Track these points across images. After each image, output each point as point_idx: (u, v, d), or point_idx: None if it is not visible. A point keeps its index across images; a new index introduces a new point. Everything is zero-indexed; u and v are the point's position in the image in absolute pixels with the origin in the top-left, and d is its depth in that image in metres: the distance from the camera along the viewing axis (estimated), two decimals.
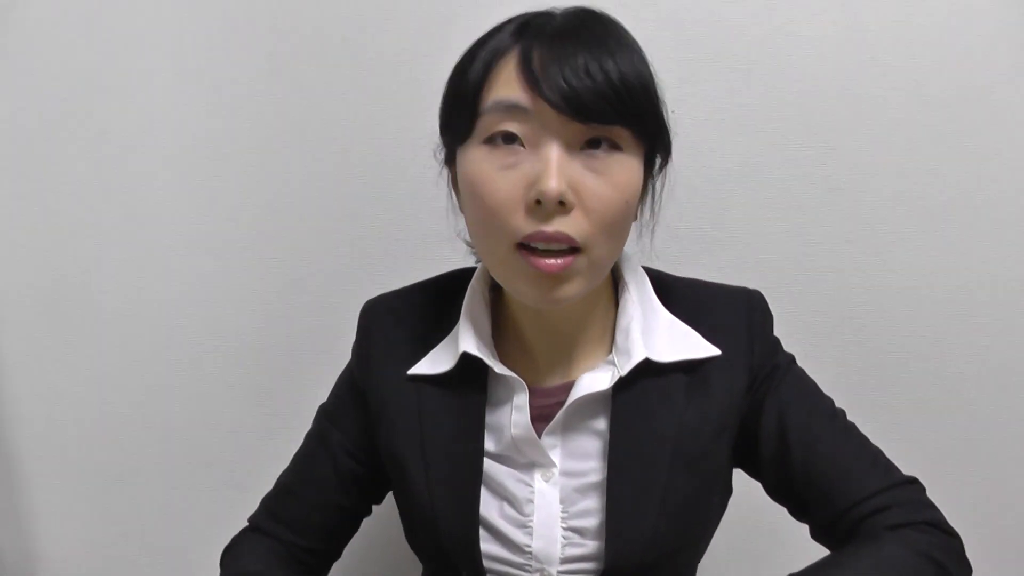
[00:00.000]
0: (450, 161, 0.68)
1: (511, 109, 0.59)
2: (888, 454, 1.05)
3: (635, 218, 0.68)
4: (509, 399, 0.70)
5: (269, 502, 0.81)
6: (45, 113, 1.01)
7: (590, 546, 0.69)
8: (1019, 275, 0.94)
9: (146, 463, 1.10)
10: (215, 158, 1.01)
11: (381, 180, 0.99)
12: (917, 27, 0.89)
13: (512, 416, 0.69)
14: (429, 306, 0.76)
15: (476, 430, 0.70)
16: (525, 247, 0.61)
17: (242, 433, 1.08)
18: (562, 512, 0.69)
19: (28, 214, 1.04)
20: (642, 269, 0.74)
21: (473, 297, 0.72)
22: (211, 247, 1.03)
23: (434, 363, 0.72)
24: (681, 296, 0.72)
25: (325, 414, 0.80)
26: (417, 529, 0.74)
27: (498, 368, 0.69)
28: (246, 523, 0.80)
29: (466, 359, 0.70)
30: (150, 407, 1.09)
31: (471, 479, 0.70)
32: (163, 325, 1.06)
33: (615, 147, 0.60)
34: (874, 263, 0.95)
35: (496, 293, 0.75)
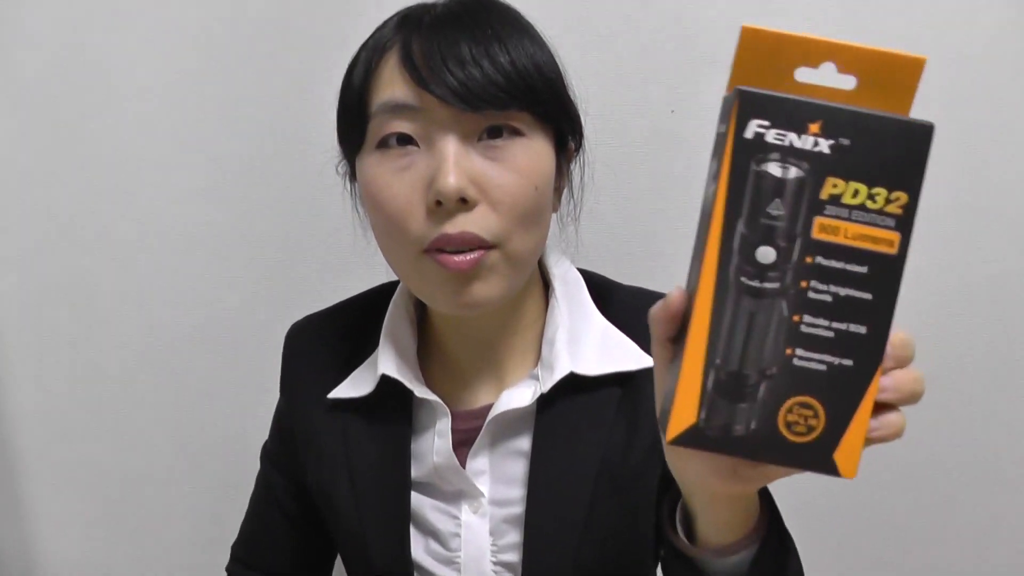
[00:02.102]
0: (352, 174, 0.64)
1: (398, 109, 0.55)
2: (886, 453, 1.04)
3: (554, 209, 0.64)
4: (432, 424, 0.66)
5: (237, 550, 0.80)
6: (43, 113, 1.00)
7: None
8: (1019, 275, 0.94)
9: (146, 463, 1.10)
10: (216, 158, 1.00)
11: None
12: (917, 27, 0.89)
13: (434, 442, 0.65)
14: (354, 325, 0.71)
15: (401, 459, 0.66)
16: (432, 251, 0.57)
17: (242, 432, 1.07)
18: (492, 545, 0.65)
19: (28, 214, 1.04)
20: (577, 271, 0.69)
21: (395, 313, 0.68)
22: (211, 247, 1.03)
23: (355, 386, 0.68)
24: (620, 302, 0.67)
25: (267, 455, 0.78)
26: (351, 565, 0.71)
27: (419, 392, 0.64)
28: (224, 573, 0.81)
29: (387, 381, 0.65)
30: (149, 407, 1.08)
31: (400, 513, 0.66)
32: (163, 325, 1.06)
33: (516, 133, 0.56)
34: None
35: (421, 308, 0.70)
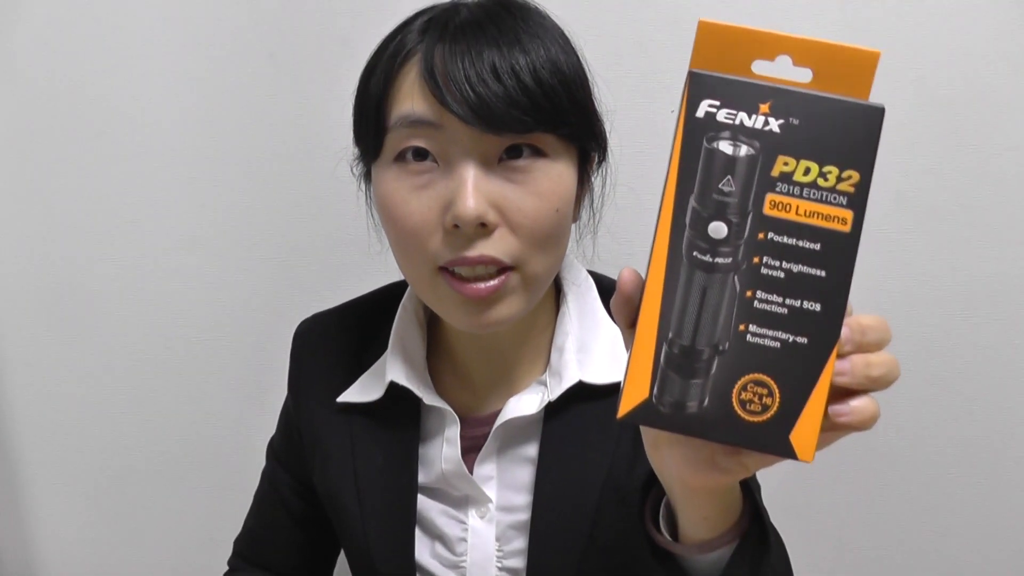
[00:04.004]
0: (367, 176, 0.62)
1: (417, 124, 0.53)
2: (887, 453, 1.04)
3: (574, 219, 0.62)
4: (440, 430, 0.66)
5: (239, 545, 0.80)
6: (44, 113, 1.01)
7: None
8: (1019, 275, 0.94)
9: (146, 463, 1.11)
10: (216, 158, 1.00)
11: None
12: (917, 27, 0.89)
13: (443, 450, 0.65)
14: (362, 325, 0.71)
15: (408, 464, 0.66)
16: (448, 270, 0.56)
17: (242, 432, 1.08)
18: (497, 551, 0.65)
19: (28, 214, 1.04)
20: (589, 276, 0.68)
21: (404, 317, 0.67)
22: (211, 246, 1.03)
23: (363, 390, 0.67)
24: None
25: (272, 451, 0.78)
26: (356, 567, 0.71)
27: (428, 399, 0.64)
28: (226, 566, 0.81)
29: (395, 387, 0.65)
30: (150, 407, 1.09)
31: (405, 518, 0.66)
32: (163, 324, 1.06)
33: (538, 153, 0.54)
34: (874, 263, 0.95)
35: (430, 312, 0.69)
